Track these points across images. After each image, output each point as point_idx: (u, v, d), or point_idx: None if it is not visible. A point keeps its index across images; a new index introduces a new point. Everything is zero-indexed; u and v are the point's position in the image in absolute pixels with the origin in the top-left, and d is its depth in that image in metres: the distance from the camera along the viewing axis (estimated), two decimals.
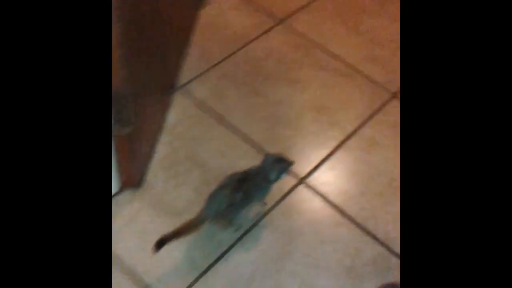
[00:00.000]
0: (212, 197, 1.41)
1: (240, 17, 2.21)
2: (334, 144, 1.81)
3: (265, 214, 1.58)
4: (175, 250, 1.43)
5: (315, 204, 1.63)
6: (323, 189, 1.67)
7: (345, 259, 1.49)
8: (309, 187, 1.67)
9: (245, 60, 2.05)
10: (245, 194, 1.42)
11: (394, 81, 2.03)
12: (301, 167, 1.71)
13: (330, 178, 1.71)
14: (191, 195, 1.58)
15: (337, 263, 1.48)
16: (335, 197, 1.65)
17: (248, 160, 1.64)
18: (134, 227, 1.51)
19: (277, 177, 1.50)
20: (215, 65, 2.01)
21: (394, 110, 1.94)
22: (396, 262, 1.49)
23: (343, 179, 1.72)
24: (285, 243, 1.51)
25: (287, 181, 1.66)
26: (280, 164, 1.50)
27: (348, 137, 1.83)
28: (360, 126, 1.87)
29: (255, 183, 1.45)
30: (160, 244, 1.33)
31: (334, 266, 1.47)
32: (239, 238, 1.50)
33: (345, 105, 1.94)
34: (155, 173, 1.64)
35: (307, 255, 1.49)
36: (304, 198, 1.64)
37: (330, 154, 1.78)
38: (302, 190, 1.66)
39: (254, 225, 1.54)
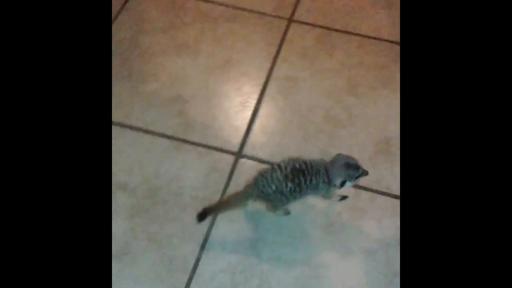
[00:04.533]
0: (263, 175, 1.28)
1: None
2: (253, 101, 1.64)
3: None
4: None
5: None
6: (263, 153, 1.53)
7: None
8: (249, 157, 1.53)
9: None
10: (298, 187, 1.27)
11: (285, 7, 1.86)
12: (232, 142, 1.55)
13: (264, 139, 1.57)
14: None
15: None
16: (277, 156, 1.52)
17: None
18: None
19: (342, 185, 1.29)
20: None
21: (296, 37, 1.79)
22: None
23: (276, 135, 1.58)
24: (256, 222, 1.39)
25: (226, 161, 1.50)
26: (348, 171, 1.28)
27: (264, 87, 1.68)
28: (271, 69, 1.71)
29: (312, 182, 1.28)
30: (202, 215, 1.31)
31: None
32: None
33: (248, 52, 1.76)
34: None
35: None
36: (249, 171, 1.49)
37: (254, 113, 1.62)
38: (244, 164, 1.51)
39: (213, 217, 1.40)
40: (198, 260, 1.34)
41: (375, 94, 1.66)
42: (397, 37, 1.79)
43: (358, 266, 1.33)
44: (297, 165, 1.27)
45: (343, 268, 1.33)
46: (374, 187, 1.45)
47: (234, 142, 1.55)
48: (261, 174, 1.29)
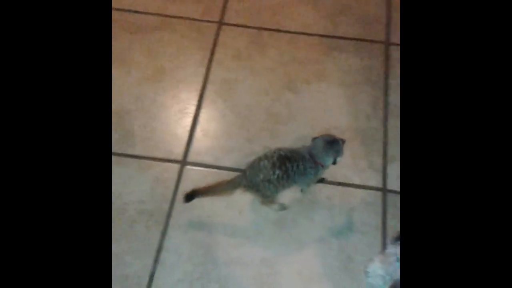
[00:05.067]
0: (251, 165, 1.31)
1: None
2: (192, 107, 1.63)
3: (169, 215, 1.40)
4: None
5: (210, 178, 1.48)
6: (208, 158, 1.52)
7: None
8: (194, 164, 1.51)
9: None
10: (285, 174, 1.28)
11: (213, 11, 1.86)
12: (175, 151, 1.52)
13: (208, 143, 1.56)
14: None
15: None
16: (223, 159, 1.52)
17: None
18: None
19: (334, 162, 1.32)
20: None
21: (228, 40, 1.80)
22: None
23: (219, 138, 1.57)
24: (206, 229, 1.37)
25: (171, 171, 1.48)
26: (334, 148, 1.31)
27: (201, 92, 1.66)
28: (207, 73, 1.71)
29: (300, 167, 1.29)
30: (190, 196, 1.33)
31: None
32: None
33: (181, 58, 1.74)
34: None
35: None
36: (196, 177, 1.47)
37: (195, 119, 1.60)
38: (190, 171, 1.49)
39: (164, 229, 1.36)
40: (152, 275, 1.30)
41: (311, 87, 1.69)
42: (326, 30, 1.84)
43: (313, 256, 1.35)
44: (282, 153, 1.30)
45: (299, 261, 1.34)
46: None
47: (177, 150, 1.53)
48: (249, 165, 1.31)
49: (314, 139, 1.34)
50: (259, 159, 1.31)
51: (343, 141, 1.34)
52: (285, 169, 1.28)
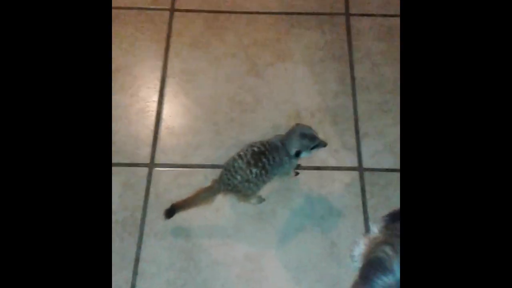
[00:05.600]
0: (227, 168, 1.26)
1: None
2: (153, 104, 1.54)
3: (142, 223, 1.33)
4: None
5: (182, 178, 1.41)
6: (177, 157, 1.45)
7: None
8: (163, 165, 1.44)
9: None
10: (263, 170, 1.24)
11: None
12: (141, 154, 1.45)
13: (174, 142, 1.48)
14: None
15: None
16: (192, 156, 1.45)
17: None
18: None
19: (298, 155, 1.27)
20: None
21: (183, 27, 1.70)
22: None
23: (186, 134, 1.50)
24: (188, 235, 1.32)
25: (139, 175, 1.40)
26: (303, 141, 1.26)
27: (161, 87, 1.58)
28: (165, 66, 1.62)
29: (276, 159, 1.26)
30: (170, 211, 1.27)
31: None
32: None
33: (135, 53, 1.64)
34: None
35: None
36: (167, 179, 1.41)
37: (158, 117, 1.52)
38: (160, 173, 1.42)
39: (139, 238, 1.31)
40: (133, 287, 1.25)
41: (275, 69, 1.63)
42: (284, 7, 1.76)
43: (296, 246, 1.32)
44: (255, 149, 1.25)
45: (283, 253, 1.31)
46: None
47: (143, 153, 1.45)
48: (225, 168, 1.26)
49: (296, 124, 1.30)
50: (233, 159, 1.26)
51: (323, 144, 1.29)
52: (261, 165, 1.24)
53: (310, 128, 1.29)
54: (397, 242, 0.92)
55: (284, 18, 1.75)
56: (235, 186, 1.26)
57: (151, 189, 1.39)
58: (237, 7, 1.77)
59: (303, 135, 1.27)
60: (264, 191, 1.38)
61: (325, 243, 1.32)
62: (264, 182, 1.29)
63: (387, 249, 0.93)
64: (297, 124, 1.31)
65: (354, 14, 1.75)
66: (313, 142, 1.27)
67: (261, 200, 1.37)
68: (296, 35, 1.70)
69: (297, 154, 1.27)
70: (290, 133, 1.29)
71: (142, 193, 1.38)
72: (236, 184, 1.25)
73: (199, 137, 1.49)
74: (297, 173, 1.41)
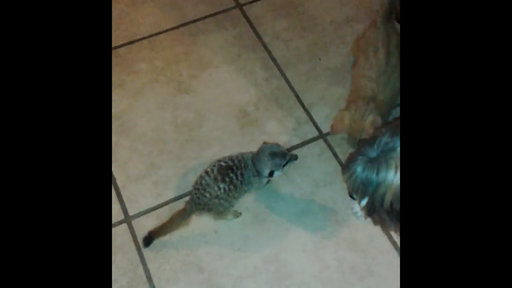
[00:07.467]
0: (195, 186, 1.24)
1: None
2: None
3: (148, 277, 1.23)
4: None
5: (164, 216, 1.34)
6: (148, 200, 1.37)
7: None
8: (139, 214, 1.35)
9: None
10: (231, 185, 1.21)
11: None
12: (113, 213, 1.34)
13: (138, 186, 1.39)
14: None
15: None
16: (164, 193, 1.38)
17: None
18: None
19: (271, 175, 1.25)
20: None
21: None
22: None
23: (146, 173, 1.42)
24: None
25: (121, 234, 1.30)
26: (275, 161, 1.24)
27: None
28: None
29: (244, 175, 1.23)
30: (148, 239, 1.25)
31: None
32: None
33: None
34: None
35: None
36: (150, 224, 1.32)
37: (111, 176, 1.41)
38: (140, 223, 1.33)
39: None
40: None
41: (200, 79, 1.60)
42: (178, 20, 1.74)
43: (304, 229, 1.32)
44: (223, 164, 1.22)
45: (295, 240, 1.30)
46: None
47: (114, 211, 1.34)
48: (194, 187, 1.24)
49: (264, 143, 1.28)
50: (201, 177, 1.23)
51: (294, 157, 1.29)
52: (229, 180, 1.21)
53: (278, 145, 1.29)
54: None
55: (183, 31, 1.73)
56: (206, 204, 1.22)
57: (139, 240, 1.29)
58: (132, 36, 1.71)
59: (273, 154, 1.25)
60: (248, 196, 1.36)
61: (327, 214, 1.35)
62: (235, 198, 1.26)
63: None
64: (264, 143, 1.29)
65: (245, 4, 1.79)
66: (285, 158, 1.26)
67: (237, 214, 1.33)
68: (203, 42, 1.69)
69: (271, 174, 1.26)
70: (259, 154, 1.26)
71: (134, 249, 1.28)
72: (206, 202, 1.21)
73: (161, 172, 1.42)
74: (268, 181, 1.38)
